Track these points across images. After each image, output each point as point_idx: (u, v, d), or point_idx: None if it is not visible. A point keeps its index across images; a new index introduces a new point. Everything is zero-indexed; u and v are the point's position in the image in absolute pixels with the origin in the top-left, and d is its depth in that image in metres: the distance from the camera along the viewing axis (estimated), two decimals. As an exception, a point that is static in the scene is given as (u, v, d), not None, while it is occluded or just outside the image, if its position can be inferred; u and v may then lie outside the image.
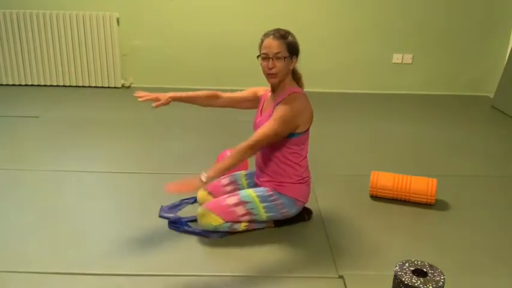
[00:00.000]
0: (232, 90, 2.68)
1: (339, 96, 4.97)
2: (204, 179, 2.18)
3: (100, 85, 5.00)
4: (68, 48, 4.85)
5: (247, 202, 2.35)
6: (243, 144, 2.23)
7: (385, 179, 2.79)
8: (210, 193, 2.57)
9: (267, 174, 2.43)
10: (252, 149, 2.24)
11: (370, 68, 5.06)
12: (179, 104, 4.52)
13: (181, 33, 4.89)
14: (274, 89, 2.38)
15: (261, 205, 2.36)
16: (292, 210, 2.44)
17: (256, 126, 2.44)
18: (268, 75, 2.30)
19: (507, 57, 4.69)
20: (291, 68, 2.33)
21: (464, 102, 4.90)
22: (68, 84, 4.98)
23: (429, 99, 4.94)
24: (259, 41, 2.33)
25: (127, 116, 4.21)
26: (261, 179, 2.47)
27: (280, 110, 2.26)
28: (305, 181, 2.44)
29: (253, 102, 2.57)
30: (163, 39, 4.92)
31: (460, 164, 3.39)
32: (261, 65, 2.31)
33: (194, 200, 2.70)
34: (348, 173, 3.18)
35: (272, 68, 2.26)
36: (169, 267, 2.17)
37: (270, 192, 2.39)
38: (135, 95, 2.45)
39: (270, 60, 2.25)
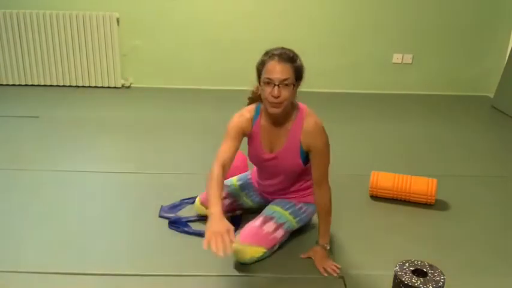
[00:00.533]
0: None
1: (339, 96, 4.97)
2: (328, 247, 2.20)
3: (100, 85, 5.00)
4: (68, 48, 4.84)
5: (284, 223, 2.25)
6: (326, 200, 2.14)
7: (385, 179, 2.79)
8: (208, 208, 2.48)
9: (290, 193, 2.34)
10: (330, 188, 2.17)
11: (370, 68, 5.06)
12: (179, 105, 4.54)
13: (182, 33, 4.89)
14: (276, 117, 2.10)
15: (294, 220, 2.30)
16: (314, 213, 2.38)
17: (270, 163, 2.21)
18: (272, 104, 1.99)
19: (507, 57, 4.69)
20: (296, 94, 2.07)
21: (464, 102, 4.90)
22: (68, 84, 4.98)
23: (429, 99, 4.94)
24: (259, 61, 2.02)
25: (127, 116, 4.21)
26: (282, 197, 2.37)
27: (320, 151, 2.09)
28: None
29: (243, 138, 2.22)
30: (163, 39, 4.92)
31: (460, 164, 3.39)
32: (263, 90, 2.00)
33: (193, 201, 2.70)
34: (348, 173, 3.18)
35: (278, 96, 1.96)
36: (169, 267, 2.17)
37: (299, 205, 2.33)
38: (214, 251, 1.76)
39: (276, 87, 1.94)
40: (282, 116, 2.09)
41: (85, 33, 4.80)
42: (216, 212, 1.86)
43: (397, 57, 5.03)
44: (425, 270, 1.87)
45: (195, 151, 3.47)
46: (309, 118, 2.11)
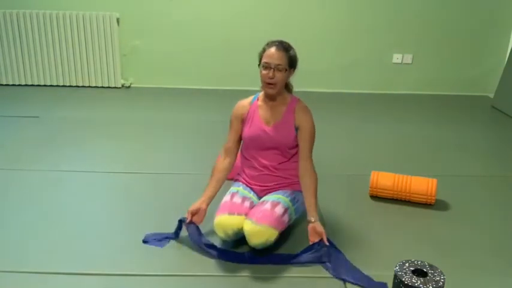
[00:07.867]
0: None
1: (339, 96, 4.97)
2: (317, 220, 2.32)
3: (100, 85, 5.00)
4: (68, 48, 4.84)
5: (288, 208, 2.32)
6: (310, 169, 2.40)
7: (385, 179, 2.79)
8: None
9: (285, 178, 2.44)
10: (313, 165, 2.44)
11: (370, 68, 5.06)
12: (179, 105, 4.55)
13: (182, 33, 4.89)
14: (272, 97, 2.41)
15: (293, 207, 2.37)
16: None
17: (268, 134, 2.39)
18: (267, 84, 2.33)
19: (507, 57, 4.69)
20: (288, 80, 2.41)
21: (464, 102, 4.90)
22: (68, 84, 4.98)
23: (429, 99, 4.94)
24: (262, 49, 2.36)
25: (127, 116, 4.21)
26: (277, 187, 2.44)
27: (308, 129, 2.40)
28: None
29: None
30: (163, 39, 4.92)
31: (460, 164, 3.39)
32: (261, 73, 2.34)
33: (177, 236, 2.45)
34: (348, 173, 3.18)
35: (272, 78, 2.30)
36: (169, 267, 2.17)
37: (293, 195, 2.41)
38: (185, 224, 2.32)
39: (271, 70, 2.29)
40: (277, 96, 2.41)
41: (85, 33, 4.80)
42: (202, 198, 2.37)
43: (397, 57, 5.03)
44: (425, 270, 1.87)
45: (195, 151, 3.47)
46: (300, 103, 2.45)
